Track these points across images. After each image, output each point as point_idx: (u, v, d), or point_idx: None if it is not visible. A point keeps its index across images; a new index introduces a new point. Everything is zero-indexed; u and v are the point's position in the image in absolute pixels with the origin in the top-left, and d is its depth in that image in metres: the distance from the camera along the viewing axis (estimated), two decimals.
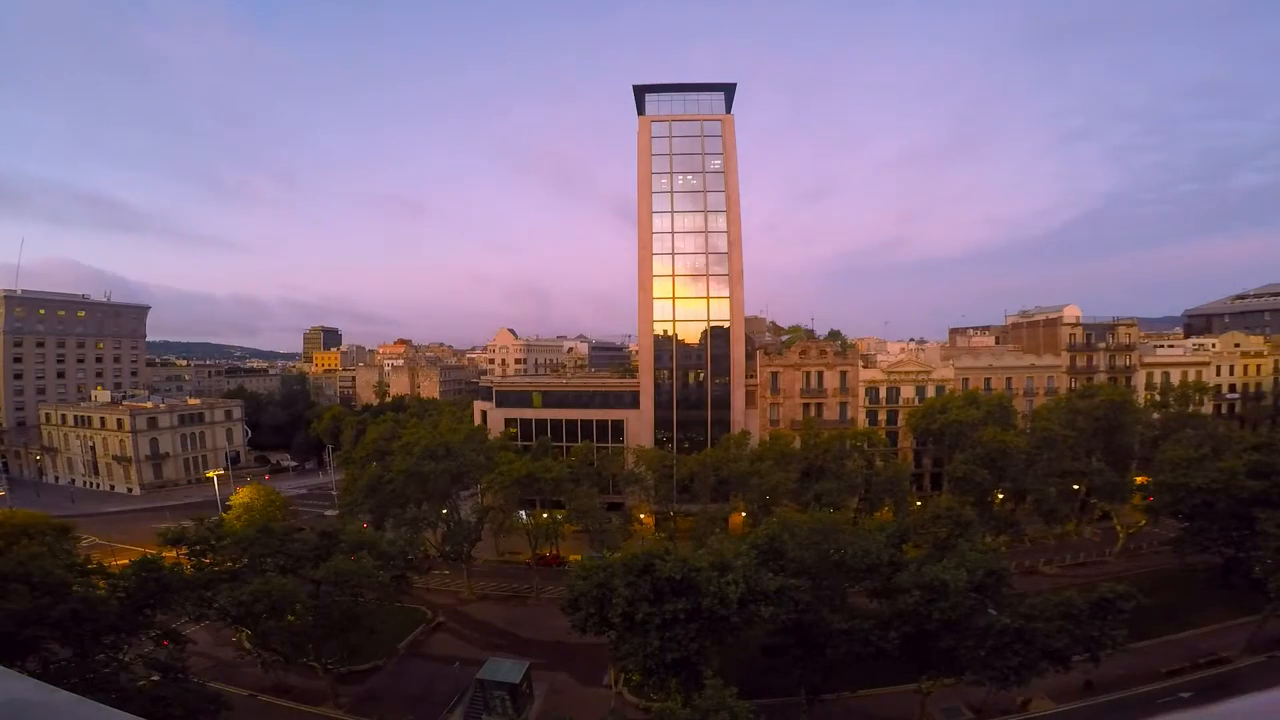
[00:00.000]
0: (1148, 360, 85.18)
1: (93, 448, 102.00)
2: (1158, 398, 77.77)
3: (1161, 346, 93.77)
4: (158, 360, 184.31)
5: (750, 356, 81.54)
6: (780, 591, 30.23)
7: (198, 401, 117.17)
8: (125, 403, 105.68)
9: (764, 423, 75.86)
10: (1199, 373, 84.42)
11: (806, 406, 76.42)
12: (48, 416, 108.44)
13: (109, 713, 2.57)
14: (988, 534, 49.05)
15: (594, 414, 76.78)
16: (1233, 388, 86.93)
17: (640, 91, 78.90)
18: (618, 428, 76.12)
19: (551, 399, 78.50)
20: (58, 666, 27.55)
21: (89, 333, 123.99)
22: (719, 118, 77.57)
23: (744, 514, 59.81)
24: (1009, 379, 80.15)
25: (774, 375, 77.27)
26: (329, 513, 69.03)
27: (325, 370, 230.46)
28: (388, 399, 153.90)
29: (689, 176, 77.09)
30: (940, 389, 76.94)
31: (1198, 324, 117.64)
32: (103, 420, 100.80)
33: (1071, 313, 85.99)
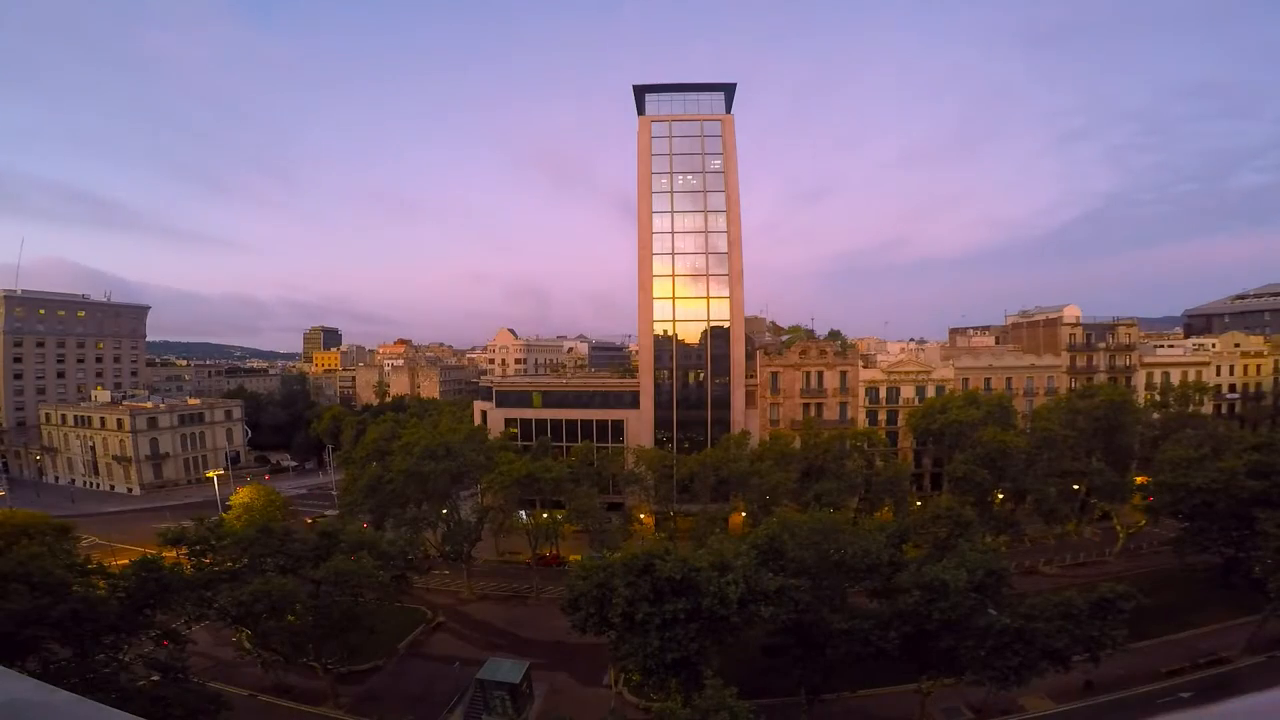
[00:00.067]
0: (1148, 360, 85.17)
1: (93, 448, 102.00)
2: (1158, 398, 77.78)
3: (1161, 346, 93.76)
4: (158, 360, 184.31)
5: (750, 356, 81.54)
6: (780, 591, 30.24)
7: (198, 401, 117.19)
8: (125, 403, 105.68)
9: (764, 423, 75.86)
10: (1199, 373, 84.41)
11: (806, 406, 76.41)
12: (48, 416, 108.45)
13: (109, 713, 2.57)
14: (988, 534, 49.05)
15: (594, 414, 76.78)
16: (1233, 388, 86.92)
17: (640, 91, 78.91)
18: (618, 428, 76.12)
19: (551, 399, 78.50)
20: (58, 666, 27.55)
21: (89, 333, 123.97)
22: (719, 118, 77.57)
23: (744, 514, 59.81)
24: (1009, 379, 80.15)
25: (774, 375, 77.27)
26: (329, 513, 69.00)
27: (325, 370, 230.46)
28: (388, 399, 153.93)
29: (689, 176, 77.09)
30: (940, 389, 76.94)
31: (1198, 324, 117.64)
32: (103, 420, 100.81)
33: (1071, 313, 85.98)
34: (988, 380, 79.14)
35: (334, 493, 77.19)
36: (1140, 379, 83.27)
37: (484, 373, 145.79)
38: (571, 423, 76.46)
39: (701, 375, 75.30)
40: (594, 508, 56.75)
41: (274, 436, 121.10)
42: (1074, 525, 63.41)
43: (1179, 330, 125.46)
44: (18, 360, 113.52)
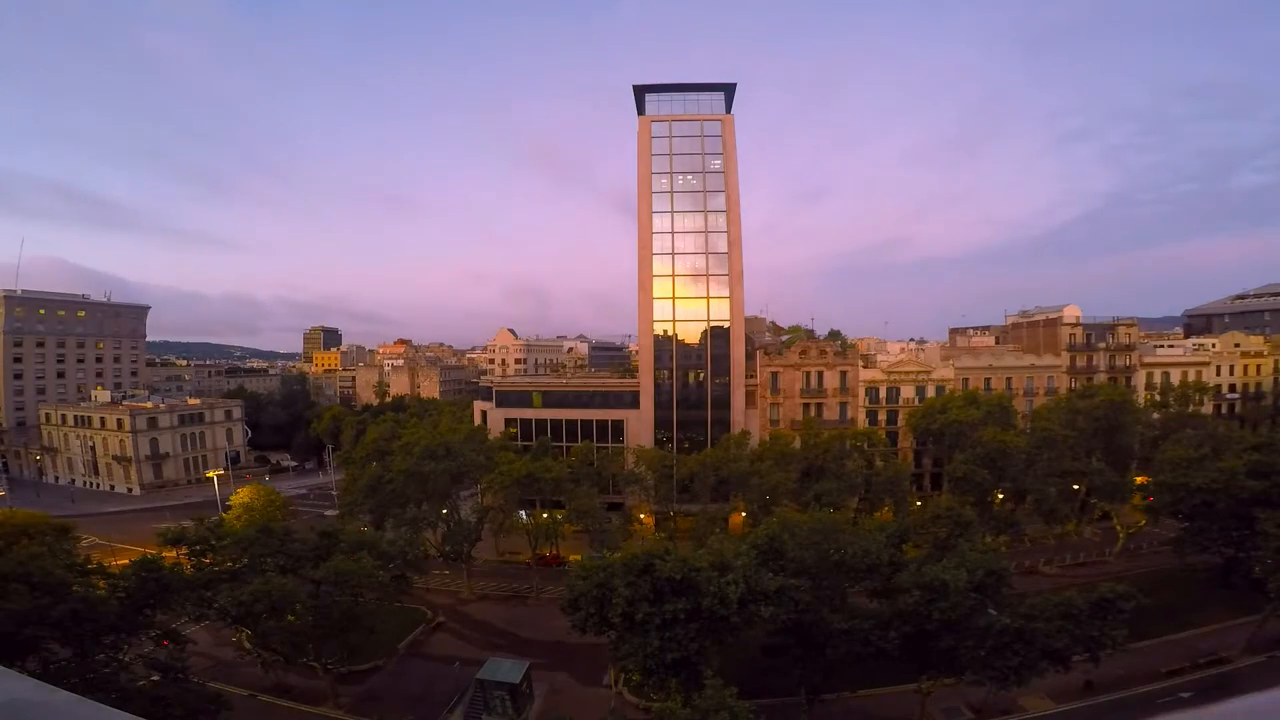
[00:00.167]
0: (1148, 360, 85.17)
1: (93, 448, 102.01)
2: (1158, 398, 77.78)
3: (1161, 346, 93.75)
4: (158, 360, 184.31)
5: (750, 356, 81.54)
6: (780, 591, 30.23)
7: (198, 401, 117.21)
8: (125, 403, 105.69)
9: (764, 423, 75.86)
10: (1199, 373, 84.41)
11: (806, 406, 76.41)
12: (48, 416, 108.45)
13: (109, 713, 2.57)
14: (988, 534, 49.05)
15: (594, 414, 76.78)
16: (1233, 388, 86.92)
17: (640, 91, 78.91)
18: (618, 428, 76.12)
19: (551, 399, 78.50)
20: (58, 666, 27.55)
21: (89, 333, 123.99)
22: (719, 118, 77.57)
23: (744, 514, 59.81)
24: (1009, 379, 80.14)
25: (774, 375, 77.27)
26: (329, 513, 69.03)
27: (325, 370, 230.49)
28: (388, 399, 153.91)
29: (689, 177, 77.10)
30: (940, 389, 76.93)
31: (1198, 324, 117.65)
32: (103, 420, 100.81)
33: (1071, 313, 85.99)
34: (988, 380, 79.14)
35: (334, 493, 77.21)
36: (1140, 379, 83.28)
37: (484, 373, 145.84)
38: (571, 423, 76.46)
39: (701, 375, 75.30)
40: (594, 508, 56.75)
41: (274, 436, 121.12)
42: (1074, 525, 63.42)
43: (1179, 330, 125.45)
44: (18, 360, 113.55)
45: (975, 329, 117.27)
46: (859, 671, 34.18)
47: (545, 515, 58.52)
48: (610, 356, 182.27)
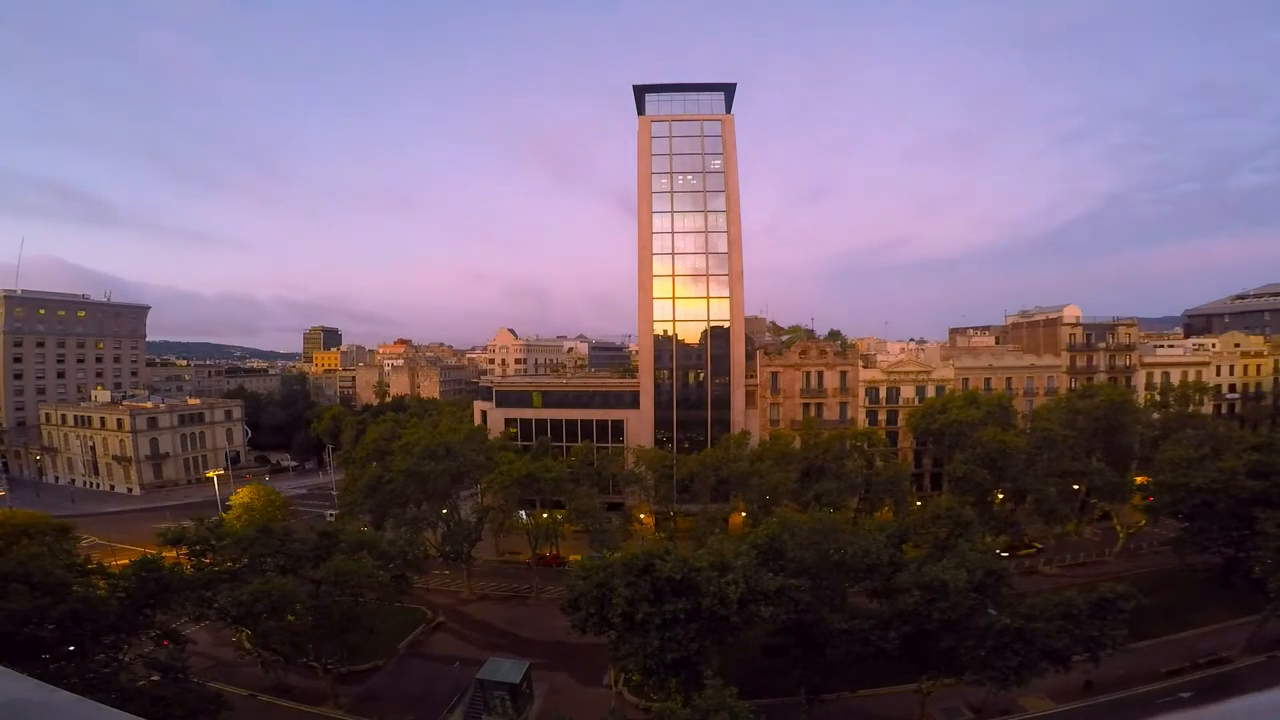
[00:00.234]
0: (1148, 360, 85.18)
1: (93, 448, 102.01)
2: (1158, 398, 77.76)
3: (1161, 346, 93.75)
4: (158, 360, 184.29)
5: (750, 356, 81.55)
6: (780, 591, 30.23)
7: (198, 401, 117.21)
8: (125, 403, 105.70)
9: (764, 423, 75.86)
10: (1199, 373, 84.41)
11: (806, 406, 76.41)
12: (48, 416, 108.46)
13: (109, 713, 2.57)
14: (988, 534, 49.04)
15: (594, 414, 76.78)
16: (1233, 388, 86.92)
17: (640, 91, 78.92)
18: (618, 428, 76.12)
19: (551, 399, 78.51)
20: (58, 666, 27.55)
21: (89, 333, 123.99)
22: (719, 118, 77.58)
23: (744, 514, 59.79)
24: (1009, 379, 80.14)
25: (774, 375, 77.27)
26: (329, 513, 69.04)
27: (325, 370, 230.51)
28: (388, 399, 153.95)
29: (689, 177, 77.11)
30: (940, 389, 76.94)
31: (1198, 324, 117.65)
32: (103, 420, 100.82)
33: (1071, 313, 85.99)
34: (988, 380, 79.15)
35: (334, 493, 77.21)
36: (1140, 379, 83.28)
37: (484, 373, 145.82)
38: (571, 423, 76.46)
39: (701, 375, 75.31)
40: (594, 508, 56.74)
41: (274, 436, 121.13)
42: (1074, 525, 63.40)
43: (1179, 330, 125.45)
44: (18, 360, 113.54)
45: (975, 329, 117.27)
46: (859, 671, 34.18)
47: (545, 515, 58.51)
48: (610, 356, 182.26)
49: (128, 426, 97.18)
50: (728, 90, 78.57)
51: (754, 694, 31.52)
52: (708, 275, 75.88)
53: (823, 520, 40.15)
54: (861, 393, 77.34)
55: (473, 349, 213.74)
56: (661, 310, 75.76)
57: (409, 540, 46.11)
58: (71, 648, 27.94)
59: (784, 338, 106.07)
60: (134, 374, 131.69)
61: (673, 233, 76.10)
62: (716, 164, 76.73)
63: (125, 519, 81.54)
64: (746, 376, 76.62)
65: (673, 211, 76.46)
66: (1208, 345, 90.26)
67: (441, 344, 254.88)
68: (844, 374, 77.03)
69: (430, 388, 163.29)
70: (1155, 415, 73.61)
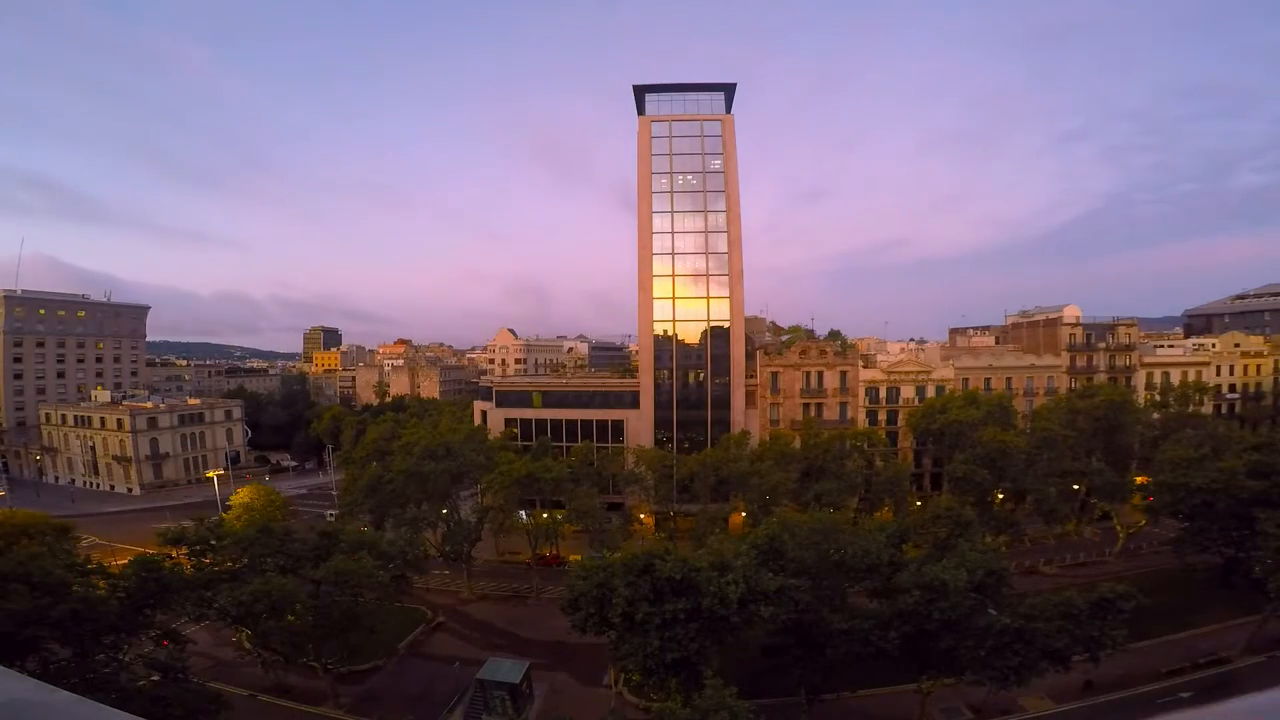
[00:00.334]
0: (1148, 360, 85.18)
1: (93, 448, 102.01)
2: (1158, 398, 77.79)
3: (1161, 346, 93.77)
4: (158, 360, 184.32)
5: (750, 356, 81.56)
6: (780, 591, 30.22)
7: (198, 401, 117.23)
8: (125, 403, 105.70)
9: (764, 423, 75.86)
10: (1199, 373, 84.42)
11: (806, 406, 76.42)
12: (48, 416, 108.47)
13: (109, 713, 2.57)
14: (988, 534, 49.04)
15: (594, 414, 76.79)
16: (1233, 388, 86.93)
17: (640, 91, 78.92)
18: (618, 428, 76.13)
19: (551, 399, 78.51)
20: (58, 666, 27.55)
21: (89, 333, 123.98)
22: (719, 118, 77.59)
23: (744, 514, 59.79)
24: (1009, 379, 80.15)
25: (774, 375, 77.28)
26: (329, 513, 69.05)
27: (325, 370, 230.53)
28: (388, 399, 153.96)
29: (689, 177, 77.11)
30: (940, 389, 76.94)
31: (1198, 324, 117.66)
32: (103, 420, 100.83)
33: (1071, 313, 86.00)
34: (988, 380, 79.15)
35: (334, 493, 77.22)
36: (1140, 379, 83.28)
37: (484, 373, 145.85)
38: (571, 423, 76.46)
39: (701, 375, 75.31)
40: (594, 508, 56.76)
41: (274, 436, 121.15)
42: (1074, 525, 63.44)
43: (1179, 330, 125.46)
44: (18, 360, 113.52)
45: (975, 329, 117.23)
46: (859, 671, 34.17)
47: (545, 515, 58.50)
48: (610, 356, 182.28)
49: (128, 426, 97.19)
50: (728, 90, 78.57)
51: (754, 694, 31.56)
52: (708, 275, 75.88)
53: (823, 520, 40.15)
54: (861, 393, 77.34)
55: (473, 349, 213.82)
56: (661, 310, 75.77)
57: (409, 540, 46.10)
58: (72, 648, 27.96)
59: (784, 338, 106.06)
60: (134, 374, 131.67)
61: (673, 233, 76.10)
62: (716, 164, 76.74)
63: (125, 519, 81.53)
64: (746, 376, 76.62)
65: (673, 211, 76.46)
66: (1208, 345, 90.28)
67: (441, 344, 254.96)
68: (844, 374, 77.03)
69: (430, 388, 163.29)
70: (1155, 415, 73.63)
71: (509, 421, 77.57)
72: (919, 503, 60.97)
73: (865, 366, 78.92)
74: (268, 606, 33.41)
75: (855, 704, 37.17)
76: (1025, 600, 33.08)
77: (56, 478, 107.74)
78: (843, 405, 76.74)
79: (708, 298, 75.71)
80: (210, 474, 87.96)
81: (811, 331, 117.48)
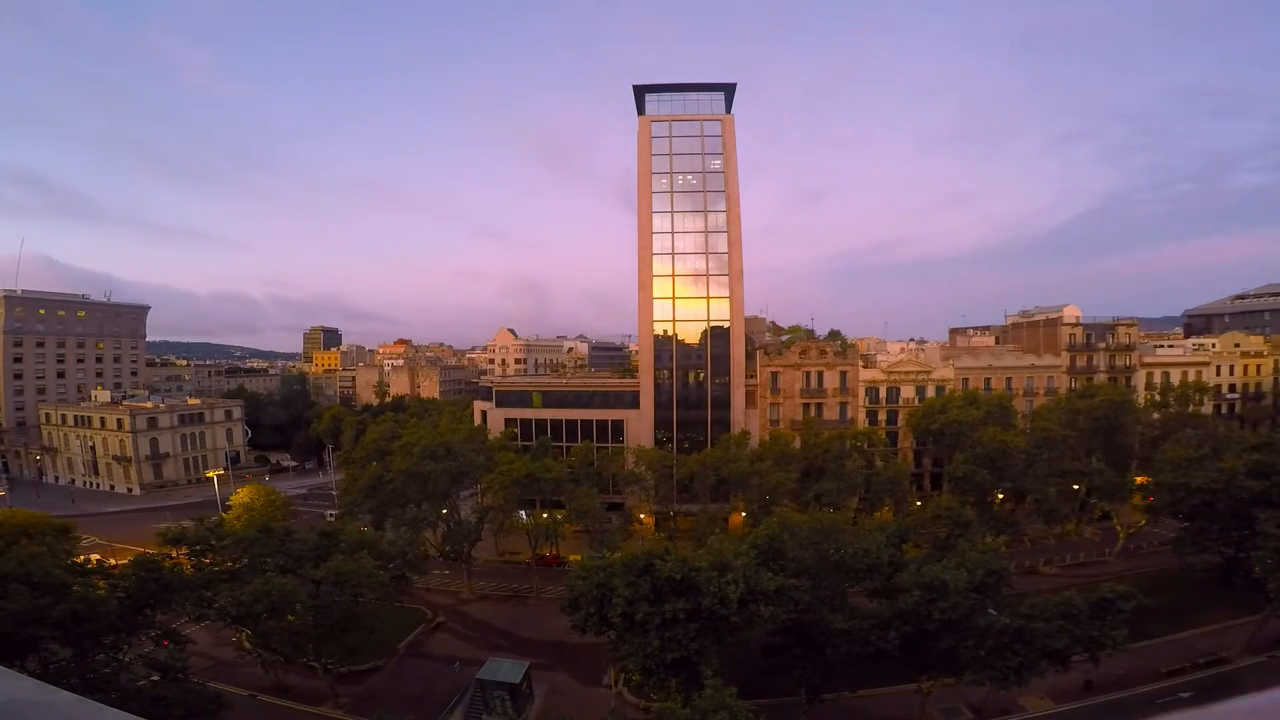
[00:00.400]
0: (1148, 360, 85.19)
1: (93, 448, 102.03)
2: (1158, 398, 77.77)
3: (1161, 346, 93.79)
4: (158, 360, 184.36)
5: (750, 356, 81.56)
6: (780, 591, 30.23)
7: (198, 401, 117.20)
8: (125, 403, 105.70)
9: (764, 423, 75.87)
10: (1199, 373, 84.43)
11: (806, 406, 76.42)
12: (48, 416, 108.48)
13: (109, 713, 2.57)
14: (988, 534, 49.04)
15: (594, 414, 76.78)
16: (1233, 388, 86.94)
17: (640, 91, 78.91)
18: (618, 428, 76.12)
19: (551, 399, 78.50)
20: (58, 666, 27.56)
21: (89, 333, 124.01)
22: (719, 118, 77.58)
23: (744, 514, 59.79)
24: (1009, 379, 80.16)
25: (774, 375, 77.28)
26: (329, 513, 69.06)
27: (325, 370, 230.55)
28: (388, 399, 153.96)
29: (689, 176, 77.11)
30: (940, 389, 76.95)
31: (1198, 324, 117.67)
32: (103, 420, 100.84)
33: (1071, 313, 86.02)
34: (988, 380, 79.16)
35: (334, 493, 77.23)
36: (1140, 379, 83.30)
37: (484, 373, 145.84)
38: (571, 423, 76.46)
39: (701, 375, 75.31)
40: (594, 508, 56.76)
41: (274, 436, 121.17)
42: (1074, 525, 63.44)
43: (1179, 330, 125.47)
44: (18, 360, 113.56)
45: (975, 329, 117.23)
46: (859, 671, 34.16)
47: (545, 515, 58.50)
48: (610, 356, 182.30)
49: (128, 426, 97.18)
50: (728, 90, 78.57)
51: (754, 694, 31.57)
52: (708, 275, 75.88)
53: (823, 520, 40.20)
54: (861, 393, 77.35)
55: (473, 349, 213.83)
56: (661, 310, 75.77)
57: (409, 540, 46.15)
58: (72, 648, 27.96)
59: (784, 338, 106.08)
60: (134, 374, 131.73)
61: (673, 233, 76.10)
62: (716, 164, 76.73)
63: (125, 519, 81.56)
64: (746, 376, 76.62)
65: (673, 211, 76.45)
66: (1208, 345, 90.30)
67: (441, 344, 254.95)
68: (844, 374, 77.04)
69: (430, 388, 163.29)
70: (1155, 415, 73.64)
71: (509, 421, 77.56)
72: (919, 503, 60.99)
73: (865, 366, 78.93)
74: (268, 606, 33.41)
75: (855, 704, 37.17)
76: (1025, 600, 33.08)
77: (56, 478, 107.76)
78: (843, 405, 76.75)
79: (708, 298, 75.72)
80: (210, 474, 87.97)
81: (811, 331, 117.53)
